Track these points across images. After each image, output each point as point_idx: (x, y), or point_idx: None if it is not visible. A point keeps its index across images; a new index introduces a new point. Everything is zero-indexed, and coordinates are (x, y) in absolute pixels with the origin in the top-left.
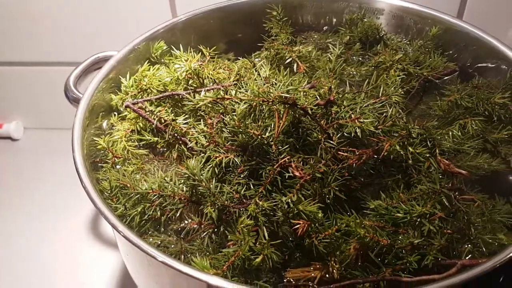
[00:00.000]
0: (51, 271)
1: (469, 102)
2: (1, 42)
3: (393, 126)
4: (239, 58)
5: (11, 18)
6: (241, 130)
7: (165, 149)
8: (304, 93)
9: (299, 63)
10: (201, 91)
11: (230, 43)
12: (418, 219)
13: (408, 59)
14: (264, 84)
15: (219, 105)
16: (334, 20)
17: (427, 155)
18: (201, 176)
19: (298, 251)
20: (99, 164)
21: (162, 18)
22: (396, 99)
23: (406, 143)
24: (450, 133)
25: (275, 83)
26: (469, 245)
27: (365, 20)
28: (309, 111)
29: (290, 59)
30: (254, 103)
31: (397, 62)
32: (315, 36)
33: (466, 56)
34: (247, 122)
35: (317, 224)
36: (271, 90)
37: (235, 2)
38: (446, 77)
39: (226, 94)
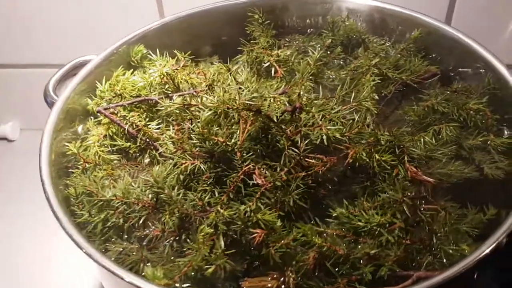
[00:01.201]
0: (48, 272)
1: (445, 107)
2: None
3: (360, 133)
4: (222, 61)
5: (4, 20)
6: (205, 137)
7: (138, 155)
8: (273, 100)
9: (277, 67)
10: (172, 96)
11: (216, 46)
12: (378, 229)
13: (388, 63)
14: (239, 90)
15: (187, 111)
16: (319, 22)
17: (394, 163)
18: (164, 184)
19: (259, 260)
20: (70, 170)
21: (150, 20)
22: (367, 105)
23: (372, 150)
24: (422, 139)
25: (243, 89)
26: (430, 256)
27: (347, 23)
28: (274, 119)
29: (269, 63)
30: (220, 110)
31: (374, 66)
32: (299, 39)
33: (449, 60)
34: (212, 129)
35: (275, 233)
36: (236, 97)
37: (220, 4)
38: (426, 81)
39: (198, 100)
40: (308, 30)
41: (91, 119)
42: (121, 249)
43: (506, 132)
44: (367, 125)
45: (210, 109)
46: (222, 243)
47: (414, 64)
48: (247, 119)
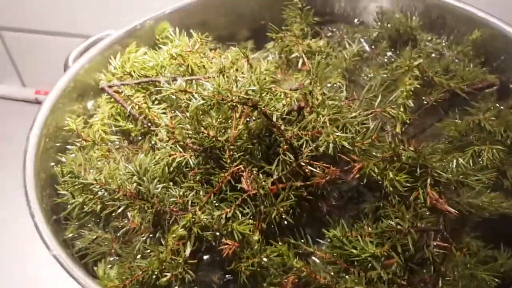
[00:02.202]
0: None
1: (493, 125)
2: (47, 12)
3: (374, 145)
4: (256, 47)
5: None
6: (195, 128)
7: (140, 138)
8: (284, 95)
9: (305, 59)
10: (178, 80)
11: (253, 31)
12: (371, 261)
13: (438, 66)
14: (236, 80)
15: (183, 98)
16: (368, 13)
17: (413, 185)
18: (145, 175)
19: (233, 273)
20: (68, 146)
21: None
22: (393, 112)
23: (388, 167)
24: (456, 160)
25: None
26: None
27: (398, 15)
28: (273, 117)
29: (297, 54)
30: (213, 101)
31: (416, 68)
32: (344, 29)
33: None
34: (204, 121)
35: (249, 248)
36: (233, 88)
37: None
38: (480, 92)
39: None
40: (356, 20)
41: (103, 95)
42: (94, 237)
43: None
44: (383, 136)
45: (203, 98)
46: (188, 250)
47: (469, 71)
48: (241, 114)
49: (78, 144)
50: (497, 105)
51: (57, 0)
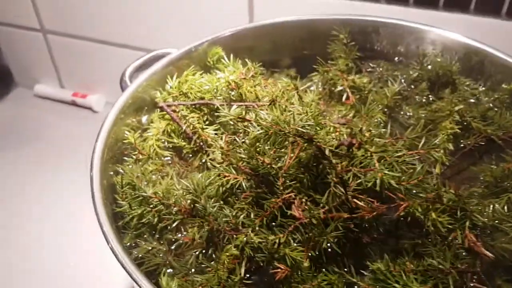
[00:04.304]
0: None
1: None
2: (97, 21)
3: (419, 185)
4: (299, 75)
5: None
6: (251, 155)
7: (191, 156)
8: (332, 129)
9: (349, 93)
10: (233, 105)
11: (296, 59)
12: None
13: (476, 111)
14: (294, 113)
15: (239, 124)
16: (409, 53)
17: (452, 226)
18: (202, 193)
19: None
20: (124, 158)
21: (238, 23)
22: (437, 155)
23: (430, 207)
24: (492, 206)
25: (300, 113)
26: None
27: (439, 59)
28: (326, 151)
29: (342, 88)
30: (271, 131)
31: (456, 112)
32: (384, 67)
33: None
34: (260, 148)
35: (300, 273)
36: (291, 120)
37: (309, 18)
38: None
39: (253, 114)
40: (396, 59)
41: (156, 111)
42: (150, 248)
43: None
44: (431, 178)
45: (262, 128)
46: (243, 270)
47: (505, 118)
48: (297, 145)
49: (134, 157)
50: None
51: (105, 10)
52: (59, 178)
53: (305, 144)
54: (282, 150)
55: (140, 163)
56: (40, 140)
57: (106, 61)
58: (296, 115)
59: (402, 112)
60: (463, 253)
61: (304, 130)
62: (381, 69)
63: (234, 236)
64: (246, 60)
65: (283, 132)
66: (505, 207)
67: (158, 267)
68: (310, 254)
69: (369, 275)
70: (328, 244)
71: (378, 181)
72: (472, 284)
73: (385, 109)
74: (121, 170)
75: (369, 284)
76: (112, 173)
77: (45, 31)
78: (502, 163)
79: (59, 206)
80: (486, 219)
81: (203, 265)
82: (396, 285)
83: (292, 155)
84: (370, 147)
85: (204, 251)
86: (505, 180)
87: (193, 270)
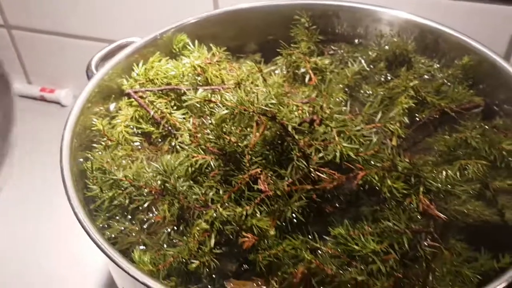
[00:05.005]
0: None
1: (478, 142)
2: (61, 15)
3: (376, 155)
4: (264, 60)
5: None
6: (218, 134)
7: (160, 141)
8: (295, 108)
9: (312, 75)
10: (199, 89)
11: (261, 45)
12: (371, 256)
13: (430, 87)
14: (257, 93)
15: (206, 106)
16: (368, 34)
17: (407, 192)
18: (172, 173)
19: (249, 264)
20: (93, 145)
21: (202, 10)
22: (393, 127)
23: (386, 175)
24: (445, 172)
25: (263, 93)
26: None
27: (396, 39)
28: (289, 128)
29: (304, 70)
30: (236, 111)
31: (411, 88)
32: (345, 49)
33: (496, 94)
34: (226, 128)
35: (266, 241)
36: (255, 100)
37: (272, 3)
38: (466, 112)
39: (219, 96)
40: (356, 41)
41: (124, 99)
42: (122, 228)
43: None
44: (385, 148)
45: (227, 108)
46: (212, 241)
47: (458, 92)
48: (261, 123)
49: (103, 144)
50: (482, 124)
51: (70, 3)
52: (31, 172)
53: (270, 123)
54: (248, 129)
55: (109, 149)
56: (10, 136)
57: (73, 54)
58: (260, 95)
59: (362, 91)
60: (418, 216)
61: (267, 109)
62: (342, 51)
63: (204, 212)
64: (211, 46)
65: (247, 112)
66: (458, 173)
67: (131, 246)
68: (276, 223)
69: (331, 240)
70: (293, 214)
71: (338, 154)
72: (426, 243)
73: (346, 89)
74: (91, 157)
75: (331, 248)
76: (82, 159)
77: (9, 26)
78: (454, 133)
79: (30, 200)
80: (439, 184)
81: (175, 241)
82: (355, 246)
83: (257, 133)
84: (330, 123)
85: (175, 227)
86: (458, 149)
87: (165, 246)
